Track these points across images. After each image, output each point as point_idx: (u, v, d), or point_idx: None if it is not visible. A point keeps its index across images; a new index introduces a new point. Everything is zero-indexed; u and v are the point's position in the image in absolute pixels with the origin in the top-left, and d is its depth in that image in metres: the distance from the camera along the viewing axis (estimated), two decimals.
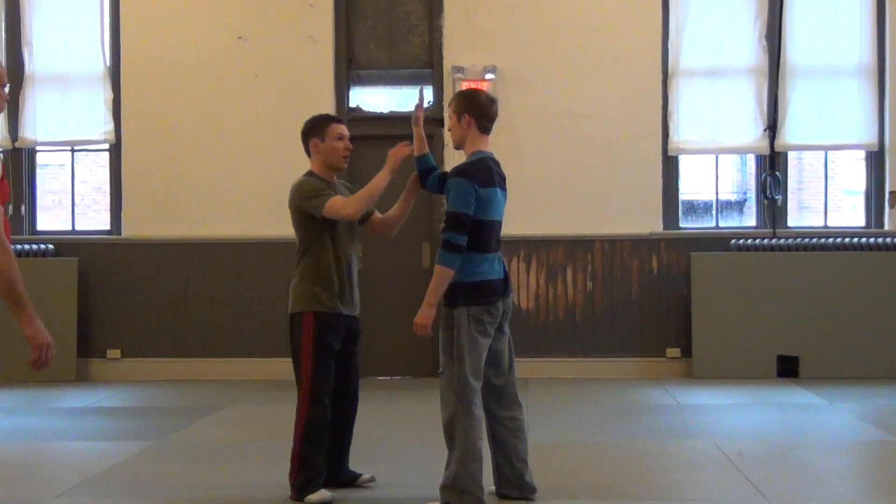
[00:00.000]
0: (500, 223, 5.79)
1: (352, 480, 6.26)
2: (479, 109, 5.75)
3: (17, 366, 10.42)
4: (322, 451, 5.99)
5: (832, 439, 7.87)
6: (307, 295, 6.00)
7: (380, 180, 5.97)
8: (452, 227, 5.54)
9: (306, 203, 5.98)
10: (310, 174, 6.16)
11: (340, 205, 5.94)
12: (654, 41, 10.76)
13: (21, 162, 11.19)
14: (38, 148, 11.29)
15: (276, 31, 10.88)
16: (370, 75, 11.07)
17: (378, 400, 9.19)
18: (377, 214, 6.34)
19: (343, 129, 6.22)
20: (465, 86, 10.20)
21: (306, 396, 5.92)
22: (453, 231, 5.54)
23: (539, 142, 10.70)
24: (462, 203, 5.54)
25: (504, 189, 5.83)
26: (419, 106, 6.02)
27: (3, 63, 11.08)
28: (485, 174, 5.65)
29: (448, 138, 9.60)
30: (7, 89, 4.73)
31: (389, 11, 11.00)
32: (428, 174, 6.04)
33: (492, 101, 5.84)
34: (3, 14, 11.12)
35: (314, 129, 6.21)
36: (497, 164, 5.80)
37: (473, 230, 5.58)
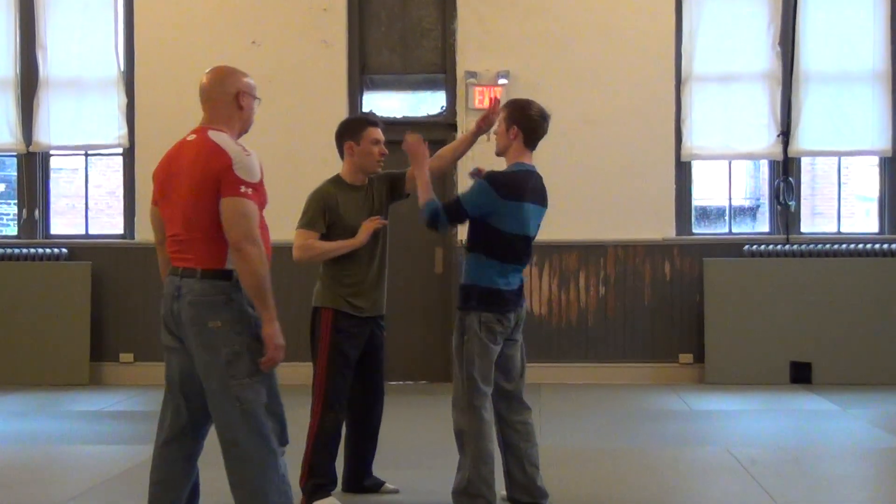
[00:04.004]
0: (526, 238, 5.71)
1: (376, 487, 6.26)
2: (528, 124, 5.68)
3: (30, 369, 10.56)
4: (334, 457, 5.99)
5: (845, 446, 7.85)
6: (327, 292, 6.01)
7: (344, 246, 5.95)
8: (448, 209, 5.59)
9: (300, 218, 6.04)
10: (334, 180, 6.12)
11: (297, 242, 5.98)
12: (667, 46, 10.74)
13: (35, 166, 11.21)
14: (52, 152, 11.31)
15: (290, 36, 10.89)
16: (383, 80, 11.07)
17: (392, 404, 9.13)
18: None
19: (379, 134, 6.13)
20: (477, 91, 10.22)
21: (320, 403, 5.92)
22: (446, 213, 5.58)
23: (552, 147, 10.48)
24: (470, 202, 5.58)
25: (541, 204, 5.77)
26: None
27: (18, 67, 11.13)
28: (513, 187, 5.59)
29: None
30: (258, 104, 4.80)
31: (403, 16, 11.01)
32: None
33: (543, 119, 5.72)
34: (17, 18, 11.15)
35: (350, 131, 6.14)
36: (538, 178, 5.74)
37: (491, 239, 5.59)
